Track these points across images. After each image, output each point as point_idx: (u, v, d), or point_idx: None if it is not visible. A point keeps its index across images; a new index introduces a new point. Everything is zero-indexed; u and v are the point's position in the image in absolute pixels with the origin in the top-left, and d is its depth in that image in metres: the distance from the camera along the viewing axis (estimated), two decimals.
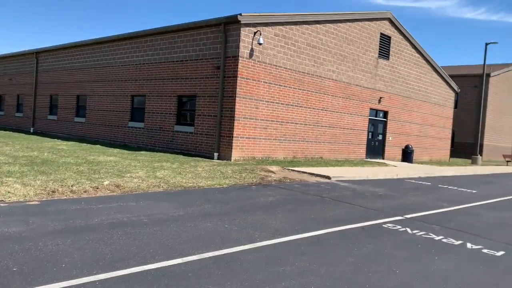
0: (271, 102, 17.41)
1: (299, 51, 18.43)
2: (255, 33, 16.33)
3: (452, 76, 39.04)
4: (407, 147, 24.43)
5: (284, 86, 17.91)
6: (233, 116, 16.04)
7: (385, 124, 24.45)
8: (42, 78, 27.64)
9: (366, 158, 23.16)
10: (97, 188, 8.45)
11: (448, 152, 30.60)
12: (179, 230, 5.84)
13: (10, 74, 31.38)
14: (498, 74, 42.56)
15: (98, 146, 18.76)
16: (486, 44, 30.55)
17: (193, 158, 15.76)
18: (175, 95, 18.49)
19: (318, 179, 13.03)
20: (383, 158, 24.34)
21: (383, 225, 7.28)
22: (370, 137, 23.54)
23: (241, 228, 6.18)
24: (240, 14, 15.59)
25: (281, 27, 17.49)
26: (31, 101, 28.52)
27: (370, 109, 23.12)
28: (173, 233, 5.63)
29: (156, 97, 19.41)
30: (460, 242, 6.55)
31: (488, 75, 40.45)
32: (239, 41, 15.89)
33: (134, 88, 20.60)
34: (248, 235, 5.82)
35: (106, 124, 22.23)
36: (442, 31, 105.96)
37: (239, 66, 15.96)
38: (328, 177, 13.17)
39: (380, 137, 24.35)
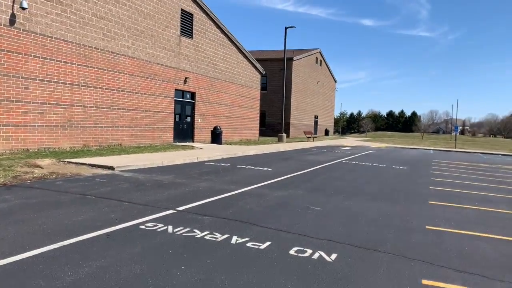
0: (47, 81, 14.42)
1: (83, 22, 15.74)
2: None
3: (261, 60, 40.90)
4: (215, 128, 24.07)
5: (64, 62, 15.06)
6: None
7: (193, 105, 23.54)
8: None
9: (175, 142, 21.91)
10: None
11: (257, 132, 31.75)
12: None
13: None
14: (300, 58, 46.42)
15: None
16: (286, 28, 32.44)
17: None
18: None
19: (99, 171, 10.99)
20: (193, 141, 23.50)
21: (141, 226, 5.82)
22: (177, 119, 22.32)
23: None
24: None
25: None
26: None
27: (176, 90, 21.83)
28: None
29: None
30: (226, 236, 5.52)
31: (291, 59, 43.71)
32: None
33: None
34: None
35: None
36: (256, 19, 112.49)
37: None
38: (112, 168, 11.25)
39: (188, 119, 23.36)
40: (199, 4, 23.35)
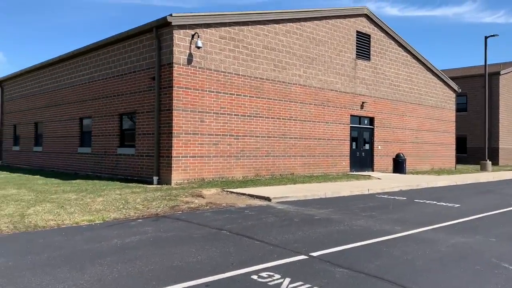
0: (221, 113, 15.12)
1: (254, 55, 16.17)
2: (193, 35, 14.19)
3: (459, 77, 36.28)
4: (397, 156, 21.62)
5: (237, 94, 15.61)
6: (171, 132, 13.79)
7: (372, 131, 21.76)
8: (6, 108, 26.17)
9: (351, 171, 20.45)
10: None
11: (452, 159, 27.47)
12: None
13: None
14: (508, 72, 39.21)
15: (36, 176, 16.73)
16: (486, 37, 27.67)
17: (127, 184, 13.50)
18: (117, 114, 16.42)
19: (255, 201, 10.55)
20: (373, 170, 21.57)
21: (253, 276, 4.79)
22: (354, 147, 20.88)
23: None
24: (171, 15, 13.52)
25: (228, 28, 15.32)
26: None
27: (351, 115, 20.53)
28: None
29: (100, 118, 17.39)
30: None
31: (497, 73, 37.32)
32: (173, 45, 13.77)
33: (81, 109, 18.66)
34: None
35: (59, 152, 20.29)
36: (459, 37, 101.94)
37: (175, 74, 13.79)
38: (268, 199, 10.68)
39: (367, 146, 21.64)
40: (377, 24, 21.79)
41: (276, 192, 11.62)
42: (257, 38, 16.29)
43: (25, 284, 4.37)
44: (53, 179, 15.65)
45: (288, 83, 17.48)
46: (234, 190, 11.88)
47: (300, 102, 17.98)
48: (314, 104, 18.59)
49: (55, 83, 20.76)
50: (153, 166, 14.32)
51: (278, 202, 10.54)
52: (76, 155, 18.92)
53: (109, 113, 16.81)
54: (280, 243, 6.34)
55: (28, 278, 4.55)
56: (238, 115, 15.69)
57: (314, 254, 5.78)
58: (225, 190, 12.08)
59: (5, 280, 4.48)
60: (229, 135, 15.41)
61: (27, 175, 17.30)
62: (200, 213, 8.92)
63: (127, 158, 15.72)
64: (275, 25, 16.97)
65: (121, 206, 9.27)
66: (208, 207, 9.62)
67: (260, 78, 16.41)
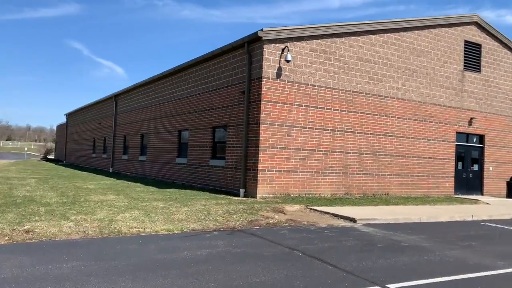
0: (309, 128, 14.75)
1: (347, 67, 15.58)
2: (282, 49, 14.13)
3: None
4: None
5: (327, 108, 15.14)
6: (258, 146, 13.79)
7: (481, 151, 19.55)
8: (119, 119, 28.78)
9: (456, 193, 18.51)
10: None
11: None
12: None
13: (99, 119, 33.63)
14: None
15: (137, 184, 17.95)
16: None
17: (215, 195, 13.77)
18: (210, 127, 16.97)
19: (338, 222, 9.95)
20: (482, 194, 19.30)
21: None
22: (459, 167, 18.92)
23: None
24: (262, 30, 13.63)
25: (319, 40, 14.99)
26: (111, 142, 29.80)
27: (457, 132, 18.67)
28: None
29: (196, 130, 18.15)
30: None
31: None
32: (263, 60, 13.84)
33: (180, 122, 19.69)
34: None
35: (160, 162, 21.62)
36: None
37: (263, 88, 13.82)
38: (353, 220, 10.01)
39: (475, 167, 19.47)
40: (490, 32, 19.68)
41: (364, 213, 10.87)
42: (350, 50, 15.69)
43: None
44: (151, 187, 16.63)
45: (384, 96, 16.50)
46: (318, 208, 11.39)
47: (398, 117, 16.84)
48: (414, 119, 17.28)
49: (159, 97, 22.28)
50: (240, 179, 14.43)
51: (363, 224, 9.82)
52: (174, 165, 19.96)
53: (203, 126, 17.46)
54: (354, 270, 5.77)
55: (92, 284, 4.68)
56: (328, 129, 15.17)
57: (391, 286, 5.13)
58: (308, 207, 11.64)
59: (71, 283, 4.67)
60: (317, 150, 14.95)
61: (129, 182, 18.66)
62: (277, 229, 8.64)
63: (218, 170, 16.09)
64: (370, 36, 16.20)
65: (202, 217, 9.39)
66: (287, 224, 9.30)
67: (353, 91, 15.73)
